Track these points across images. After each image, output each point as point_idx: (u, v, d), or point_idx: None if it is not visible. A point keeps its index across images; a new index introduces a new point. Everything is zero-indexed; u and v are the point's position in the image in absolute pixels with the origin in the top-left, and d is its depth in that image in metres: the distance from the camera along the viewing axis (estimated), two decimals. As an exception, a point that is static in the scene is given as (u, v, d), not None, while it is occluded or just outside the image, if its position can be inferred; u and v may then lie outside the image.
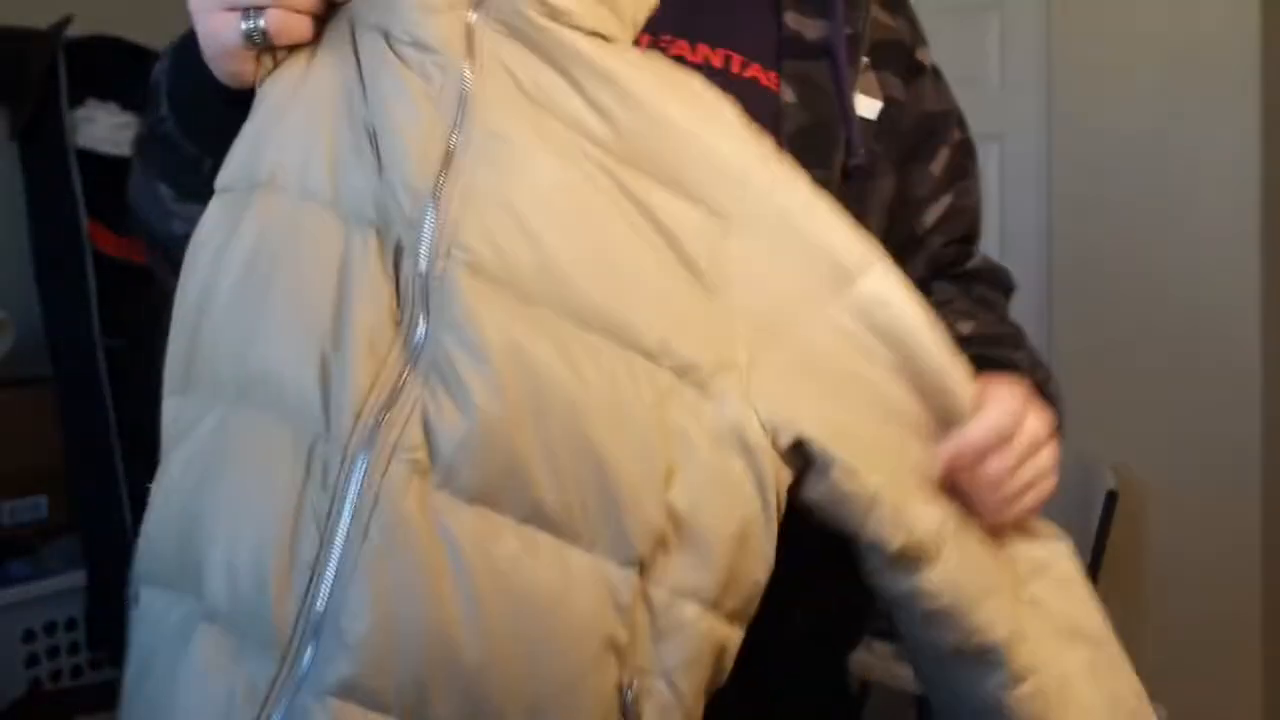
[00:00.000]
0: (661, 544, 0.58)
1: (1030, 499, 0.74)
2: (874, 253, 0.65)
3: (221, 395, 0.61)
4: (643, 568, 0.57)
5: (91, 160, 2.49)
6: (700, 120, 0.63)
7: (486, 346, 0.56)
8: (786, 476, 0.62)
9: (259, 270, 0.61)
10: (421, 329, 0.58)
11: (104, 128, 2.55)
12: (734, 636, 0.62)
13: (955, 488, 0.69)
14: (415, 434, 0.57)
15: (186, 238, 0.66)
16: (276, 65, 0.65)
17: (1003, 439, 0.68)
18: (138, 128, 0.78)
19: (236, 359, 0.60)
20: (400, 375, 0.58)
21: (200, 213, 0.65)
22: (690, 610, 0.58)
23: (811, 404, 0.62)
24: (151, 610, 0.64)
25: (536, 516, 0.56)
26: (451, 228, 0.59)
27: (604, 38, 0.63)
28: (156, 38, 2.68)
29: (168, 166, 0.72)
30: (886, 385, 0.64)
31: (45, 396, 2.54)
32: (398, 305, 0.59)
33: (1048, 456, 0.75)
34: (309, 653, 0.55)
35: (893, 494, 0.63)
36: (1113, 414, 2.53)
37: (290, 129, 0.63)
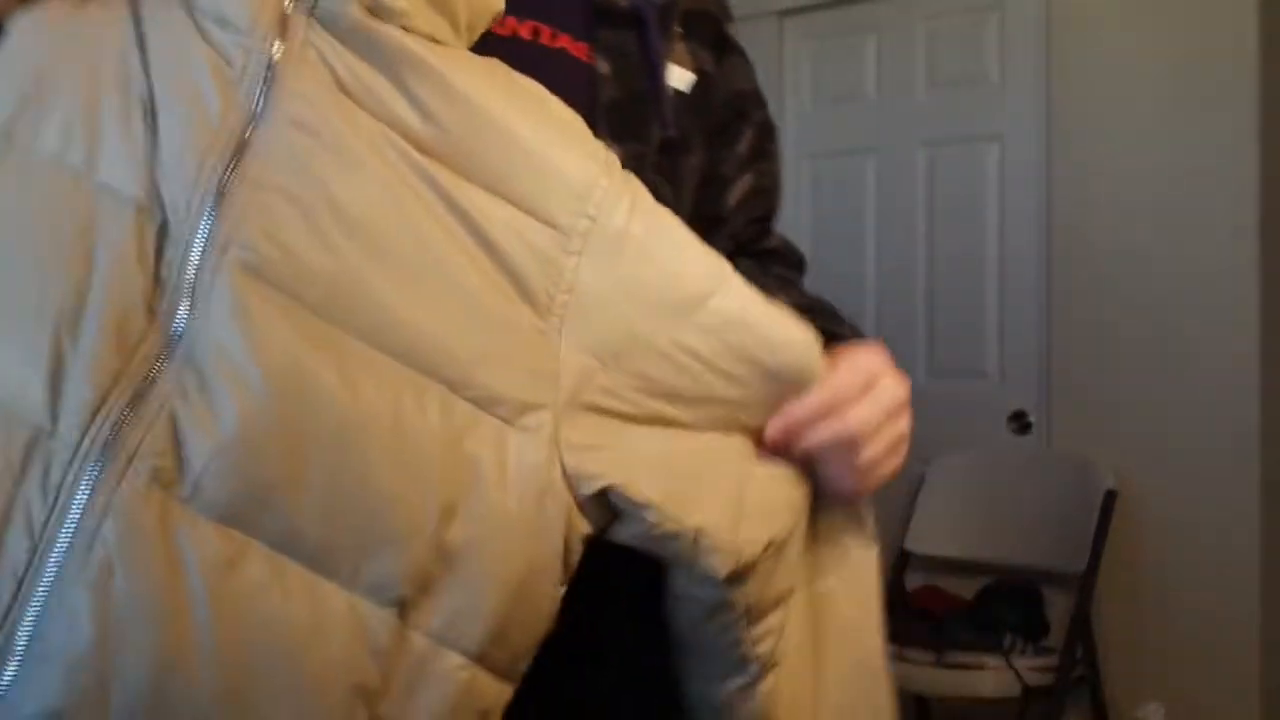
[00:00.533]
0: (427, 585, 0.52)
1: (891, 465, 0.66)
2: (723, 270, 0.61)
3: None
4: (404, 609, 0.52)
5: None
6: (540, 128, 0.58)
7: (255, 352, 0.51)
8: (584, 527, 0.56)
9: None
10: (182, 321, 0.51)
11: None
12: (501, 694, 0.55)
13: (812, 466, 0.63)
14: (162, 438, 0.50)
15: None
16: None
17: (846, 397, 0.62)
18: None
19: None
20: (150, 371, 0.51)
21: None
22: (452, 660, 0.53)
23: (637, 440, 0.57)
24: None
25: (290, 545, 0.50)
26: (234, 222, 0.52)
27: (437, 42, 0.58)
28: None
29: None
30: (741, 403, 0.60)
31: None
32: (156, 295, 0.52)
33: (906, 422, 0.67)
34: (8, 673, 0.48)
35: (721, 521, 0.58)
36: (1112, 413, 2.54)
37: (42, 79, 0.56)
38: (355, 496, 0.51)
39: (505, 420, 0.54)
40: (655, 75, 0.74)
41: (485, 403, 0.53)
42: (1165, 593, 2.48)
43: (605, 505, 0.56)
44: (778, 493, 0.61)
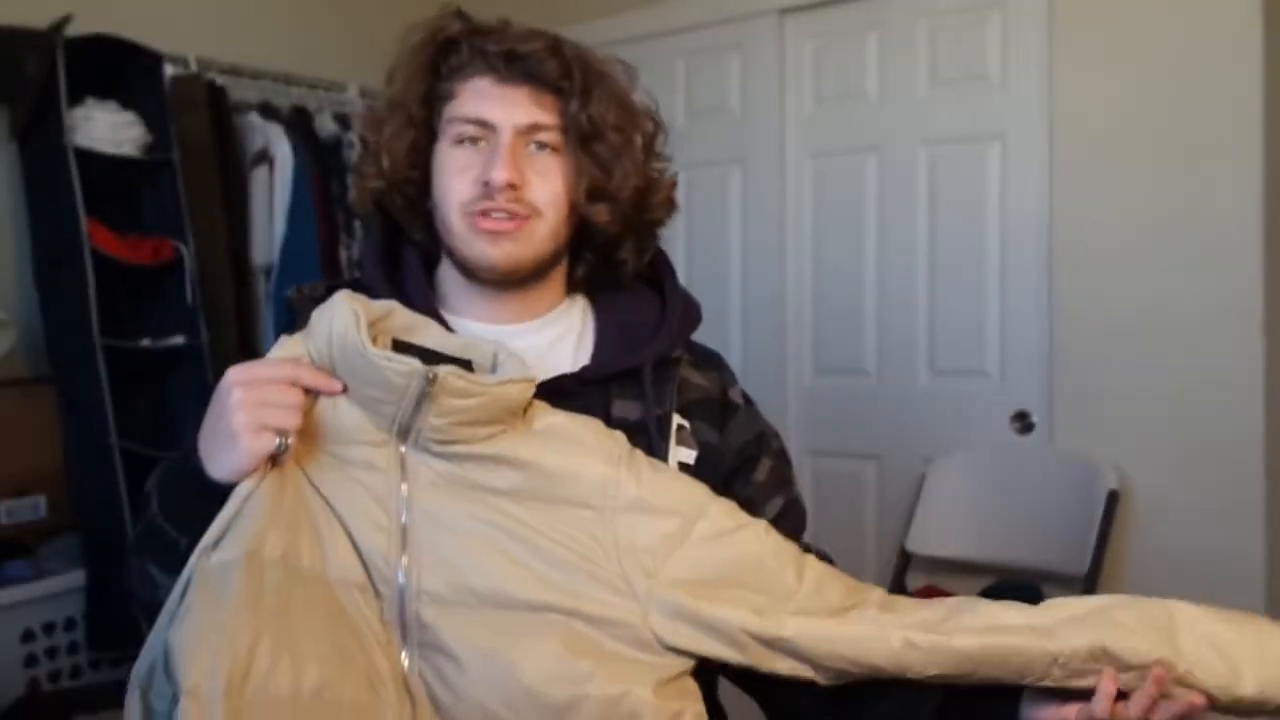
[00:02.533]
0: None
1: None
2: (702, 500, 0.95)
3: None
4: None
5: (91, 159, 2.49)
6: (573, 456, 0.92)
7: (453, 646, 0.87)
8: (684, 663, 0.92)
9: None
10: (411, 636, 0.88)
11: (103, 127, 2.55)
12: None
13: None
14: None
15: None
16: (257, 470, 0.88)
17: None
18: (134, 534, 0.98)
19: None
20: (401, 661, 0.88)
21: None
22: None
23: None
24: None
25: None
26: (416, 581, 0.88)
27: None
28: (155, 37, 2.69)
29: (155, 550, 0.92)
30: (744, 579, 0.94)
31: (44, 396, 2.54)
32: (386, 628, 0.88)
33: None
34: None
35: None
36: (1115, 413, 2.53)
37: (273, 516, 0.85)
38: (536, 707, 0.87)
39: (610, 622, 0.89)
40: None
41: (594, 619, 0.88)
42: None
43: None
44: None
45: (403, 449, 0.90)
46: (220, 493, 0.85)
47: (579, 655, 0.87)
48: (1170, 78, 2.45)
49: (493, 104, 1.02)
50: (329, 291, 1.07)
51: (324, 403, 0.90)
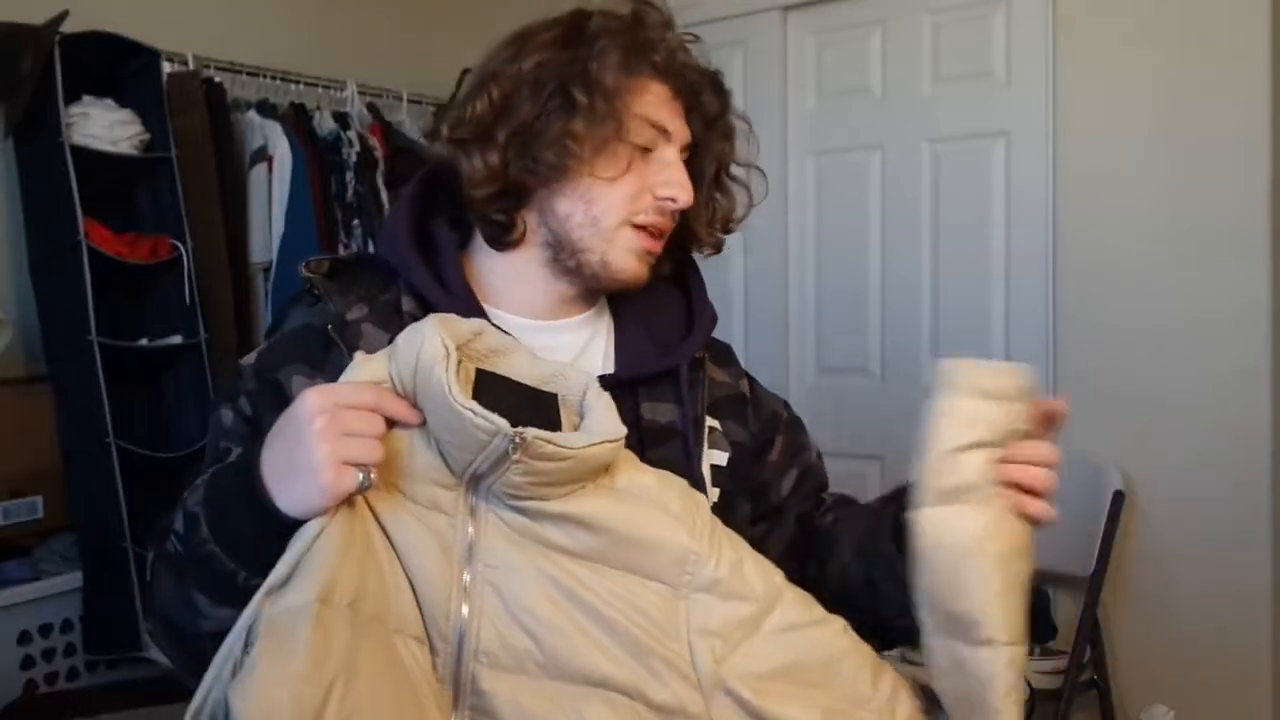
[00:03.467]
0: None
1: None
2: (779, 587, 0.89)
3: None
4: None
5: (88, 157, 2.48)
6: (651, 523, 0.86)
7: (506, 716, 0.82)
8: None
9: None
10: (465, 695, 0.83)
11: (100, 124, 2.53)
12: None
13: None
14: None
15: (213, 635, 0.79)
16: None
17: None
18: (160, 548, 0.89)
19: None
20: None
21: (231, 614, 0.78)
22: None
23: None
24: None
25: None
26: (474, 640, 0.82)
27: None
28: (153, 34, 2.67)
29: (205, 579, 0.84)
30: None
31: (41, 396, 2.52)
32: (441, 685, 0.83)
33: None
34: None
35: None
36: (1120, 412, 2.51)
37: (344, 557, 0.79)
38: None
39: (662, 709, 0.84)
40: (693, 472, 0.98)
41: (659, 708, 0.84)
42: (1174, 595, 2.45)
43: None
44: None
45: (473, 498, 0.84)
46: (288, 526, 0.79)
47: None
48: (1175, 74, 2.43)
49: (671, 114, 1.00)
50: (346, 267, 1.03)
51: (397, 431, 0.83)
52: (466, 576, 0.83)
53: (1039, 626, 2.43)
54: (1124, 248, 2.51)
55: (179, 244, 2.62)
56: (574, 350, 1.02)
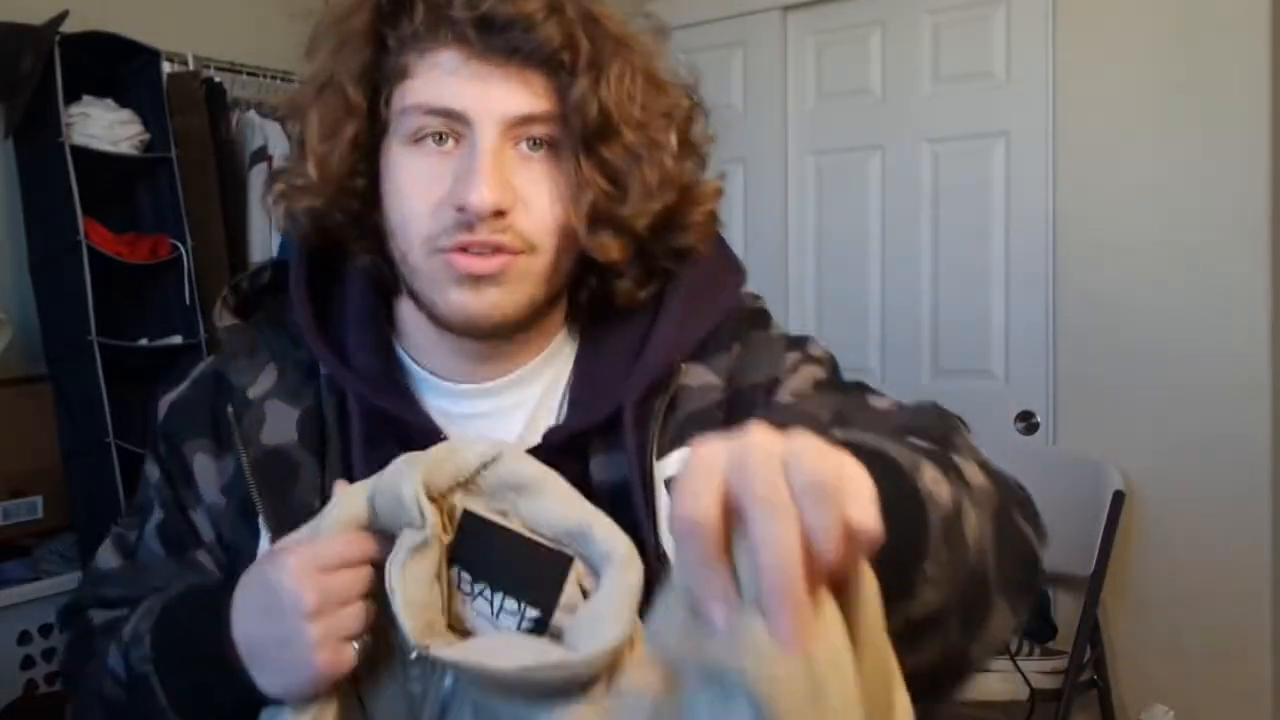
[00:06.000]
0: None
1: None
2: None
3: None
4: None
5: (88, 157, 2.47)
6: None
7: None
8: None
9: None
10: None
11: (100, 124, 2.53)
12: None
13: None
14: None
15: None
16: None
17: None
18: (91, 687, 0.80)
19: None
20: None
21: None
22: None
23: None
24: None
25: None
26: None
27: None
28: (153, 34, 2.67)
29: (136, 713, 0.75)
30: None
31: (41, 396, 2.52)
32: None
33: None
34: None
35: None
36: (1120, 413, 2.51)
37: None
38: None
39: None
40: (647, 542, 0.73)
41: None
42: (1174, 595, 2.45)
43: None
44: None
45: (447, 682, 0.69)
46: (257, 702, 0.68)
47: None
48: (1175, 74, 2.43)
49: (465, 88, 0.73)
50: (272, 293, 0.87)
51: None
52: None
53: (1039, 626, 2.43)
54: (1124, 248, 2.51)
55: (179, 244, 2.62)
56: (526, 412, 0.82)
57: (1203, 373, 2.41)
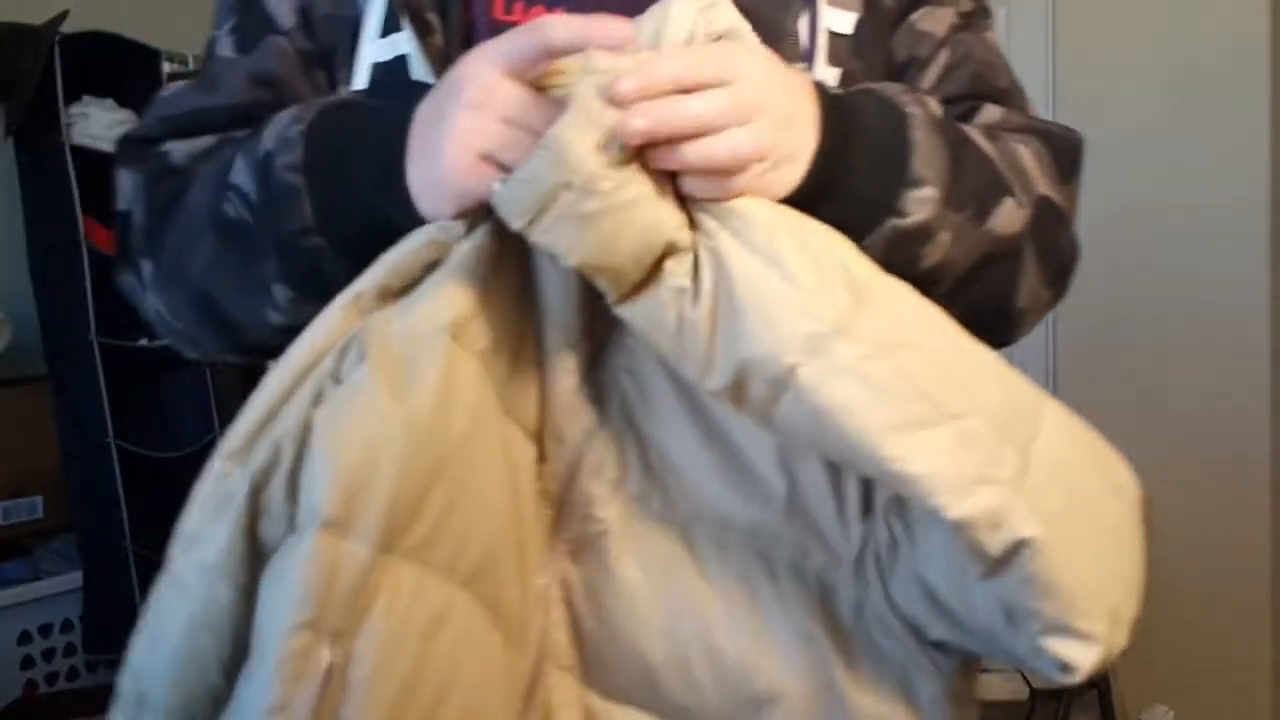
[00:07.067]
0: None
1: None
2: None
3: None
4: None
5: (88, 157, 2.47)
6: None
7: (611, 552, 0.63)
8: None
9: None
10: (556, 555, 0.64)
11: (100, 124, 2.53)
12: None
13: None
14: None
15: (282, 330, 0.65)
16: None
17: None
18: (212, 199, 0.69)
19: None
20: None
21: (314, 310, 0.59)
22: None
23: None
24: None
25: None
26: (600, 451, 0.63)
27: None
28: (152, 34, 2.67)
29: (296, 274, 0.66)
30: None
31: (41, 396, 2.52)
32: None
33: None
34: None
35: None
36: (1119, 413, 2.50)
37: (483, 295, 0.58)
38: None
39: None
40: (785, 45, 0.65)
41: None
42: (1174, 595, 2.45)
43: None
44: None
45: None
46: (406, 223, 0.59)
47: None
48: (1176, 75, 2.43)
49: None
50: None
51: None
52: (600, 373, 0.62)
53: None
54: (1122, 246, 2.51)
55: (179, 244, 2.62)
56: None
57: (1202, 374, 2.41)
